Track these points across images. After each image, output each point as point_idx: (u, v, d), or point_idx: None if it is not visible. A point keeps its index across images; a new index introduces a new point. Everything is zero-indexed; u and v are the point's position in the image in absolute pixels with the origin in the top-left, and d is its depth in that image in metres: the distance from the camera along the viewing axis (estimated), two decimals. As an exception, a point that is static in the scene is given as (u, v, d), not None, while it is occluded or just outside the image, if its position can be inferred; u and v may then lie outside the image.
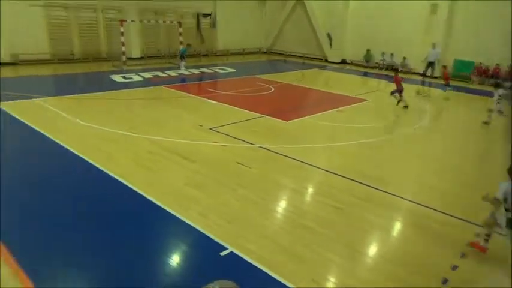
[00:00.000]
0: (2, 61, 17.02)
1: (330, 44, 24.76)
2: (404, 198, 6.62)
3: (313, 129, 10.48)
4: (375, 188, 6.91)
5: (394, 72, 14.23)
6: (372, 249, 5.26)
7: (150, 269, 4.47)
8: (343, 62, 24.72)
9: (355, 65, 23.85)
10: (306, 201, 6.54)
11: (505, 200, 4.63)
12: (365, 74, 21.36)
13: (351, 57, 24.38)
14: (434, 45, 18.51)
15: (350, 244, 5.17)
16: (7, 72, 16.14)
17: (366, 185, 7.02)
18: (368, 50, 23.07)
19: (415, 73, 20.37)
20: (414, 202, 6.51)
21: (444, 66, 16.58)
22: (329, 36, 24.72)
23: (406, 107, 12.96)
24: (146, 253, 4.77)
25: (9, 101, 11.16)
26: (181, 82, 16.04)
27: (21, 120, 9.67)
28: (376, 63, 22.82)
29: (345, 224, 5.67)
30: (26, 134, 8.90)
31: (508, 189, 4.62)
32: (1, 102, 10.92)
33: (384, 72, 21.56)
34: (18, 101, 11.38)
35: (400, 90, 13.04)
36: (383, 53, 22.36)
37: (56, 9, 18.40)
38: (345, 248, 5.08)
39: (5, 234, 4.90)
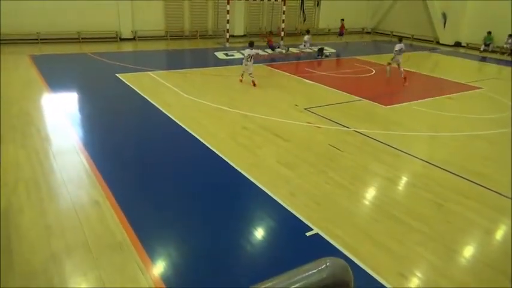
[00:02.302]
0: (124, 37, 18.94)
1: (444, 25, 22.54)
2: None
3: (415, 116, 9.80)
4: (480, 185, 6.29)
5: None
6: (470, 251, 4.84)
7: (236, 240, 4.72)
8: (458, 44, 22.37)
9: (472, 48, 21.43)
10: (399, 192, 6.22)
11: None
12: (483, 59, 19.11)
13: (467, 39, 21.92)
14: None
15: (445, 242, 4.82)
16: (128, 47, 17.97)
17: (470, 181, 6.41)
18: (489, 33, 20.48)
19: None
20: (528, 207, 5.77)
21: None
22: (444, 15, 22.48)
23: None
24: (233, 224, 5.04)
25: (127, 73, 12.45)
26: (280, 61, 16.15)
27: (135, 89, 10.75)
28: (498, 47, 20.19)
29: (441, 220, 5.29)
30: (137, 101, 9.89)
31: None
32: (121, 74, 12.23)
33: (507, 57, 19.01)
34: (135, 73, 12.62)
35: None
36: (510, 35, 19.64)
37: (171, -12, 19.72)
38: (439, 245, 4.75)
39: (115, 187, 5.59)
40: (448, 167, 6.87)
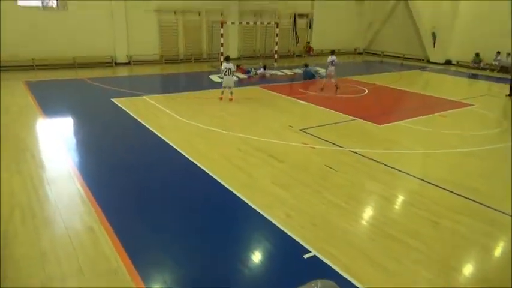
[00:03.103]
0: (119, 61, 19.15)
1: (434, 44, 23.04)
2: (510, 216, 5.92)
3: (409, 135, 9.89)
4: (476, 202, 6.30)
5: None
6: (468, 268, 4.82)
7: (234, 264, 4.68)
8: (448, 62, 22.81)
9: (462, 66, 21.84)
10: (395, 211, 6.22)
11: None
12: (473, 76, 19.46)
13: (457, 57, 22.37)
14: None
15: (444, 260, 4.79)
16: (123, 71, 18.15)
17: (465, 198, 6.43)
18: (477, 54, 20.95)
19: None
20: (524, 222, 5.78)
21: None
22: (433, 35, 23.01)
23: None
24: (230, 246, 5.00)
25: (122, 98, 12.53)
26: (274, 83, 16.34)
27: (130, 113, 10.80)
28: (487, 64, 20.61)
29: (439, 239, 5.28)
30: (132, 125, 9.92)
31: None
32: (116, 98, 12.31)
33: (496, 74, 19.37)
34: (130, 98, 12.70)
35: None
36: (498, 52, 20.09)
37: (167, 13, 20.05)
38: (436, 263, 4.73)
39: (110, 213, 5.56)
40: (443, 184, 6.90)
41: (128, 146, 8.91)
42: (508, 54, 19.58)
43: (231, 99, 12.43)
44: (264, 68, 17.60)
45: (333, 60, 14.32)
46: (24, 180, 6.58)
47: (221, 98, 12.60)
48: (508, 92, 14.53)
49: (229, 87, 12.51)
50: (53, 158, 7.81)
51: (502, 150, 8.97)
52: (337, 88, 14.48)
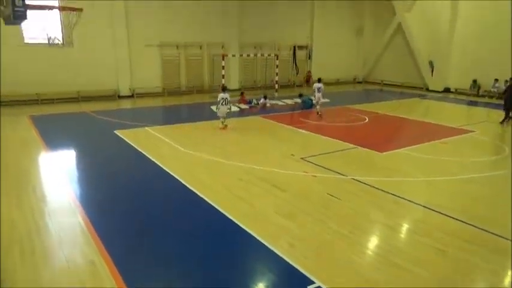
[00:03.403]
0: (122, 94, 19.47)
1: (432, 72, 23.41)
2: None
3: (411, 162, 9.87)
4: (482, 229, 6.21)
5: None
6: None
7: (238, 295, 4.58)
8: (447, 90, 23.08)
9: (461, 93, 22.09)
10: (401, 239, 6.12)
11: None
12: (472, 103, 19.62)
13: (456, 85, 22.67)
14: None
15: (451, 291, 4.68)
16: (126, 104, 18.41)
17: (470, 225, 6.35)
18: (474, 81, 21.25)
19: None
20: (532, 250, 5.67)
21: None
22: (431, 64, 23.43)
23: None
24: (233, 277, 4.91)
25: (125, 129, 12.64)
26: (275, 112, 16.50)
27: (132, 144, 10.87)
28: (486, 91, 20.86)
29: (444, 266, 5.17)
30: (134, 156, 9.97)
31: None
32: (119, 130, 12.43)
33: (495, 101, 19.55)
34: (133, 129, 12.82)
35: None
36: (496, 80, 20.36)
37: (169, 48, 20.56)
38: (444, 294, 4.61)
39: (111, 245, 5.49)
40: (447, 212, 6.83)
41: (130, 177, 8.91)
42: (506, 81, 19.83)
43: (224, 128, 12.86)
44: (265, 97, 17.84)
45: (319, 87, 15.14)
46: (24, 214, 6.54)
47: (225, 126, 13.02)
48: (501, 119, 14.51)
49: (225, 117, 12.93)
50: (55, 190, 7.81)
51: (503, 176, 8.92)
52: (319, 116, 15.22)
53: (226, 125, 13.02)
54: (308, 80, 25.07)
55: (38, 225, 6.19)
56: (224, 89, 13.43)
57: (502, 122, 14.32)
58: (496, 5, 20.25)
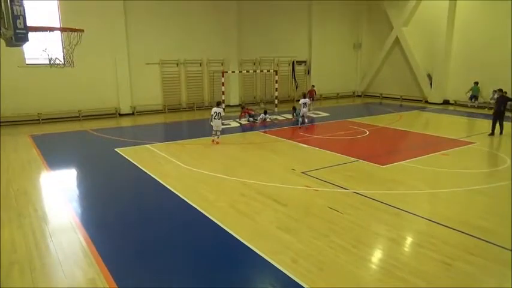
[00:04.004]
0: (123, 112, 19.57)
1: (430, 85, 23.54)
2: (524, 255, 5.75)
3: (412, 174, 9.84)
4: (484, 240, 6.15)
5: None
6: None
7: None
8: (446, 102, 23.16)
9: (460, 105, 22.16)
10: (405, 253, 6.05)
11: None
12: (471, 115, 19.66)
13: (455, 97, 22.75)
14: None
15: (458, 304, 4.60)
16: (127, 122, 18.48)
17: (474, 237, 6.28)
18: (476, 83, 21.24)
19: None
20: (538, 261, 5.60)
21: None
22: (429, 76, 23.60)
23: None
24: (237, 295, 4.84)
25: (126, 147, 12.66)
26: (275, 127, 16.55)
27: (133, 162, 10.87)
28: (484, 102, 20.92)
29: (449, 279, 5.10)
30: (135, 174, 9.95)
31: None
32: (120, 148, 12.44)
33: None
34: (133, 147, 12.84)
35: None
36: (494, 91, 20.36)
37: (169, 65, 20.77)
38: (451, 308, 4.53)
39: (112, 264, 5.43)
40: (451, 224, 6.77)
41: (131, 195, 8.89)
42: (494, 91, 19.87)
43: (217, 143, 12.97)
44: (265, 113, 17.92)
45: (305, 103, 15.94)
46: (25, 235, 6.50)
47: (217, 142, 13.01)
48: (490, 131, 14.44)
49: (218, 131, 13.09)
50: (56, 210, 7.77)
51: (506, 187, 8.86)
52: (305, 130, 15.71)
53: (218, 142, 13.00)
54: (312, 96, 21.66)
55: (38, 244, 6.15)
56: (219, 103, 13.72)
57: (491, 134, 14.25)
58: (492, 16, 20.49)
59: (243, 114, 17.96)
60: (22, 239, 6.33)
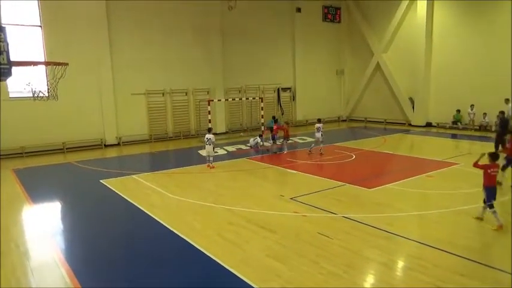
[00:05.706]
0: (108, 143, 19.40)
1: (413, 108, 24.08)
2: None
3: (400, 197, 9.89)
4: (479, 263, 6.14)
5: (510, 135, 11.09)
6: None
7: None
8: (429, 124, 23.64)
9: (442, 127, 22.64)
10: (396, 277, 6.00)
11: None
12: (454, 136, 20.07)
13: (437, 119, 23.27)
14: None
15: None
16: (112, 153, 18.28)
17: (464, 258, 6.28)
18: (458, 111, 21.82)
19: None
20: (528, 280, 5.60)
21: None
22: (411, 99, 24.18)
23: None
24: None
25: (111, 178, 12.48)
26: (263, 154, 16.57)
27: (119, 193, 10.69)
28: (466, 124, 21.40)
29: (443, 304, 5.05)
30: (120, 205, 9.77)
31: None
32: (105, 180, 12.25)
33: (475, 133, 20.07)
34: (119, 178, 12.66)
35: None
36: (485, 114, 20.53)
37: (155, 95, 20.84)
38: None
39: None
40: (440, 246, 6.77)
41: (117, 227, 8.70)
42: (484, 113, 20.37)
43: (212, 167, 13.52)
44: (260, 136, 18.08)
45: (319, 127, 15.74)
46: (5, 273, 6.25)
47: (212, 167, 13.54)
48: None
49: (211, 157, 13.63)
50: (38, 246, 7.54)
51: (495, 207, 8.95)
52: (321, 154, 15.64)
53: (213, 167, 13.50)
54: (287, 135, 17.12)
55: (19, 282, 5.91)
56: (210, 130, 14.24)
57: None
58: (469, 39, 21.29)
59: (275, 131, 16.99)
60: (2, 277, 6.08)
